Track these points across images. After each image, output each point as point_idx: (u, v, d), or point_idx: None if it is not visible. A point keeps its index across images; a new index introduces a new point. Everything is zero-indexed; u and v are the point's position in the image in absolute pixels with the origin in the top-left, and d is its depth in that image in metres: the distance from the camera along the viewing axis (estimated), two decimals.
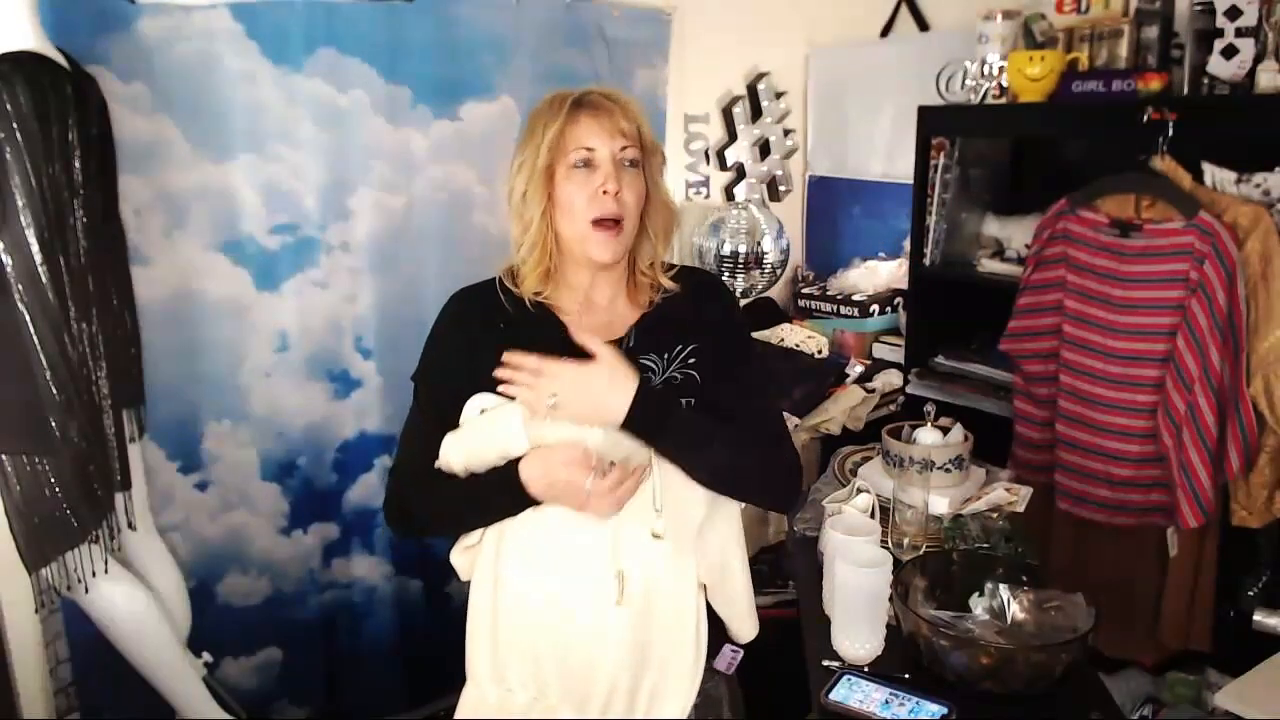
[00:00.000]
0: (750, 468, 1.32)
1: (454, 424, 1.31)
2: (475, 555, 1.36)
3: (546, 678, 1.30)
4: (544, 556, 1.29)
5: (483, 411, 1.29)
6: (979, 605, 1.45)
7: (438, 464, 1.32)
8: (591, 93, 1.31)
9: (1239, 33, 1.92)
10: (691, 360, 1.33)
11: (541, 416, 1.22)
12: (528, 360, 1.22)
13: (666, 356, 1.32)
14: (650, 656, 1.29)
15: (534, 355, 1.23)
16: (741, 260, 2.73)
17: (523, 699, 1.32)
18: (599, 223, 1.28)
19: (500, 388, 1.25)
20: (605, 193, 1.27)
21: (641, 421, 1.22)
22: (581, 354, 1.27)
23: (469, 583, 1.38)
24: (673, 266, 1.41)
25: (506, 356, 1.24)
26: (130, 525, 1.96)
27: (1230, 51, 1.94)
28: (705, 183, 2.98)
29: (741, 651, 1.40)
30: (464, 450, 1.30)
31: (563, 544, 1.28)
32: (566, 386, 1.22)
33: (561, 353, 1.28)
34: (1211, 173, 1.95)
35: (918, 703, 1.30)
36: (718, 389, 1.32)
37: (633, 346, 1.32)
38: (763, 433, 1.35)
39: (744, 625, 1.38)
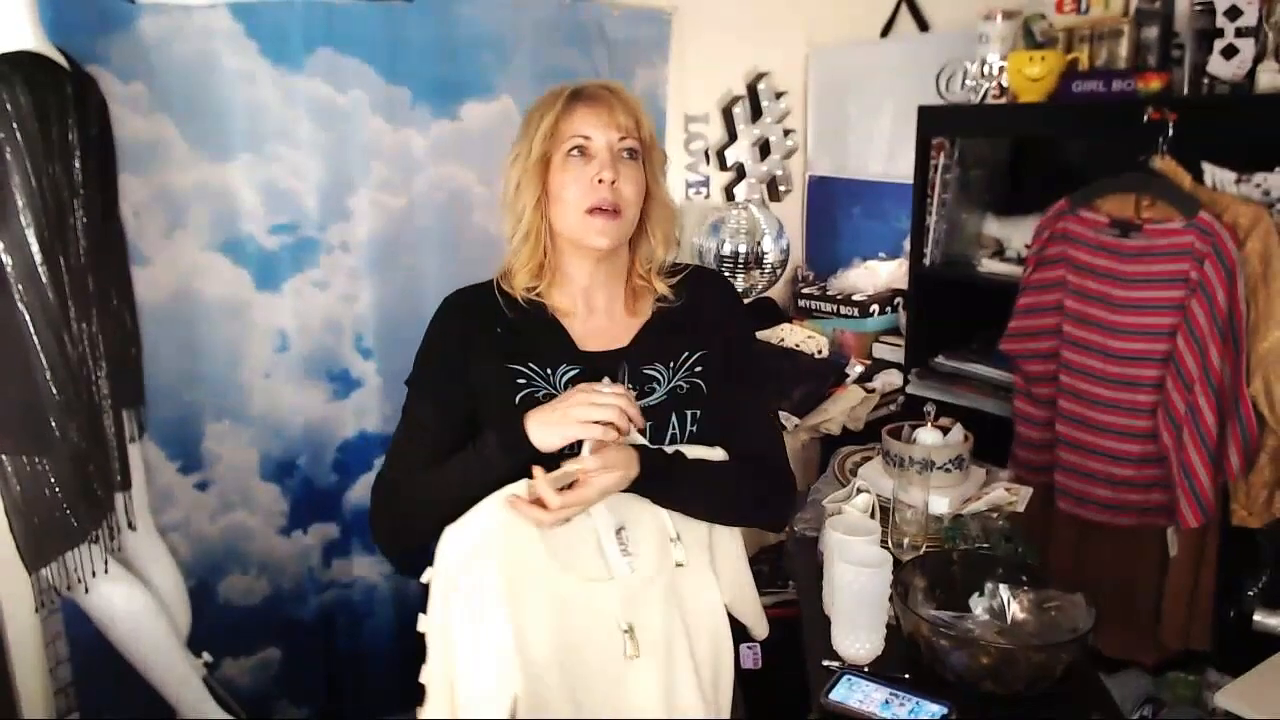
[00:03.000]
0: (747, 496, 1.30)
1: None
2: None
3: None
4: (556, 637, 1.21)
5: None
6: (979, 605, 1.45)
7: None
8: (589, 84, 1.28)
9: (1239, 33, 1.92)
10: (698, 369, 1.30)
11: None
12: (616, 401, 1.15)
13: (672, 366, 1.29)
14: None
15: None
16: (741, 260, 2.73)
17: None
18: (595, 210, 1.24)
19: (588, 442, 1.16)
20: (601, 181, 1.23)
21: (651, 476, 1.19)
22: (584, 356, 1.27)
23: None
24: (676, 269, 1.37)
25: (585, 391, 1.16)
26: (130, 525, 1.97)
27: (1230, 51, 1.93)
28: (705, 183, 2.98)
29: (758, 645, 1.40)
30: None
31: (575, 609, 1.21)
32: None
33: (563, 356, 1.26)
34: (1211, 173, 1.95)
35: (918, 703, 1.30)
36: (722, 394, 1.30)
37: (635, 357, 1.29)
38: (761, 443, 1.33)
39: (760, 625, 1.38)
